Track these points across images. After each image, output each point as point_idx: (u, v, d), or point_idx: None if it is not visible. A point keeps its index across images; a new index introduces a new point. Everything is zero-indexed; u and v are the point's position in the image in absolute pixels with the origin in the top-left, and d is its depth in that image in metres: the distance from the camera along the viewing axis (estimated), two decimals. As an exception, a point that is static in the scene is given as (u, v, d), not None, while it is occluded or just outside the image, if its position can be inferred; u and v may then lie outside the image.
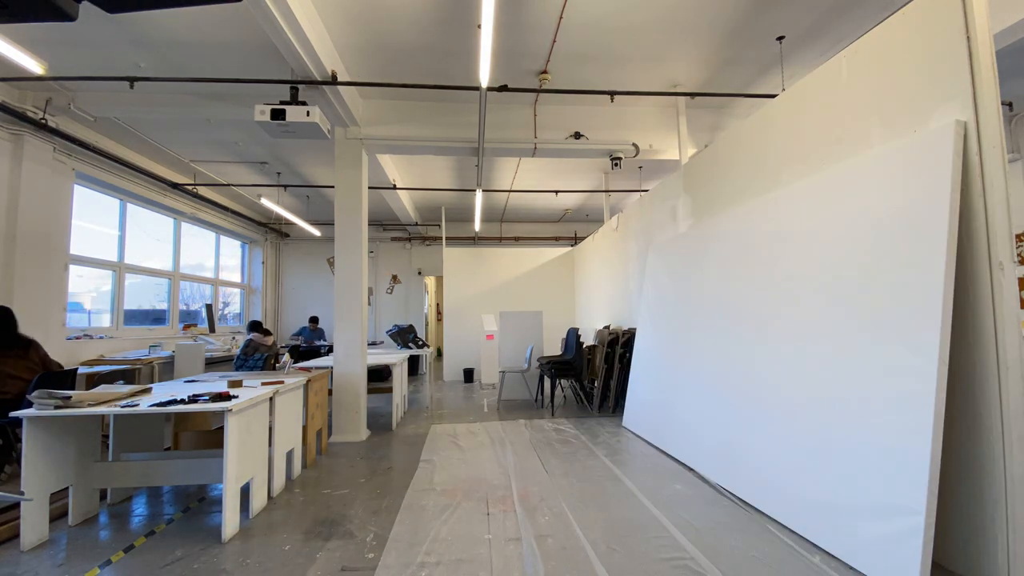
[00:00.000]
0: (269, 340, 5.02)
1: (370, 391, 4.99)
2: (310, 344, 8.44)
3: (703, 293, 3.83)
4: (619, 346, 5.40)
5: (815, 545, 2.29)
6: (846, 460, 2.22)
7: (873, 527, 2.03)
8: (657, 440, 4.06)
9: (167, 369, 5.88)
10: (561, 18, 3.68)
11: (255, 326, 5.16)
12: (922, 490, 1.84)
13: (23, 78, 3.93)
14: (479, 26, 3.22)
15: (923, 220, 2.05)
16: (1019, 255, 4.93)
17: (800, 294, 2.73)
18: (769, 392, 2.83)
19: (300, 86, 3.83)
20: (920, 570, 1.79)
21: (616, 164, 5.14)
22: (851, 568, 2.08)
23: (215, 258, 8.76)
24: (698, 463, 3.43)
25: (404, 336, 8.15)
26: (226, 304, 9.36)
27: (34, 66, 3.51)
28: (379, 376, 5.63)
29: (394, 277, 10.69)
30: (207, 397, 2.70)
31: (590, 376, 5.90)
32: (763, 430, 2.84)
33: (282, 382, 3.35)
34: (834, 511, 2.23)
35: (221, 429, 2.54)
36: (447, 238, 9.47)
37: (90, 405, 2.50)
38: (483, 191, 7.21)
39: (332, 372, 4.60)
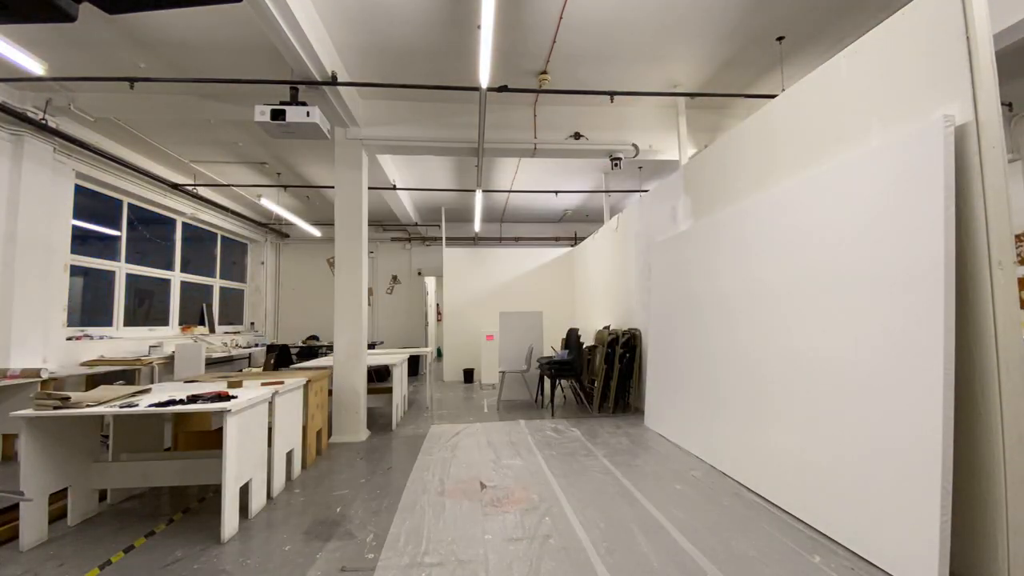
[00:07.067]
0: None
1: (370, 391, 4.99)
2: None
3: (710, 290, 3.86)
4: (619, 346, 5.39)
5: (830, 538, 2.33)
6: (857, 455, 2.26)
7: (888, 523, 2.06)
8: (678, 438, 4.15)
9: (167, 369, 5.88)
10: (561, 18, 3.68)
11: None
12: (935, 485, 1.87)
13: (23, 78, 3.93)
14: (479, 26, 3.22)
15: (919, 216, 2.05)
16: (1019, 255, 4.92)
17: (813, 292, 2.74)
18: (779, 388, 2.88)
19: (300, 86, 3.83)
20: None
21: (616, 164, 5.14)
22: (866, 561, 2.09)
23: (215, 258, 8.75)
24: (712, 458, 3.54)
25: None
26: (226, 304, 9.34)
27: (34, 66, 3.51)
28: (379, 376, 5.63)
29: (394, 277, 10.69)
30: (207, 397, 2.70)
31: (590, 376, 5.90)
32: (770, 425, 2.89)
33: (282, 382, 3.35)
34: (850, 506, 2.27)
35: (221, 429, 2.53)
36: (447, 238, 9.47)
37: (89, 405, 2.50)
38: (483, 191, 7.21)
39: (332, 372, 4.60)
